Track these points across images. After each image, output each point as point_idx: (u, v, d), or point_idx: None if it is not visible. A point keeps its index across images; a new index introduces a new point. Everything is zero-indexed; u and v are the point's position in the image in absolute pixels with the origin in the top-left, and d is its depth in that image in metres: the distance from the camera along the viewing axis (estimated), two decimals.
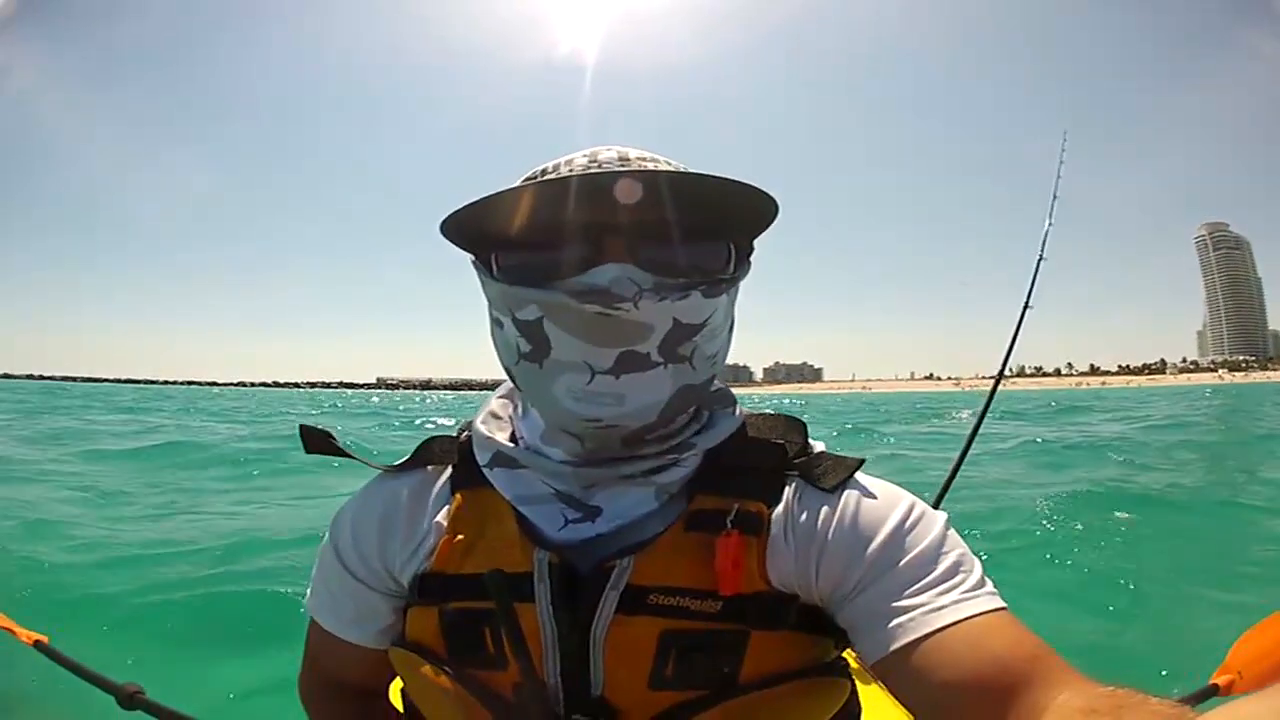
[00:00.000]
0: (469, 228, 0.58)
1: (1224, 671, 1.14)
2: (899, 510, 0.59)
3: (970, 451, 2.31)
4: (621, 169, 0.55)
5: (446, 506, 0.65)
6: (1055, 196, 2.51)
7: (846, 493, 0.61)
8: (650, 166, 0.57)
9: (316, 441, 0.73)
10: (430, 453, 0.70)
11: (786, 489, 0.62)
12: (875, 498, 0.60)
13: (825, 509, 0.60)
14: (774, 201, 0.56)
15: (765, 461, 0.63)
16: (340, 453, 0.73)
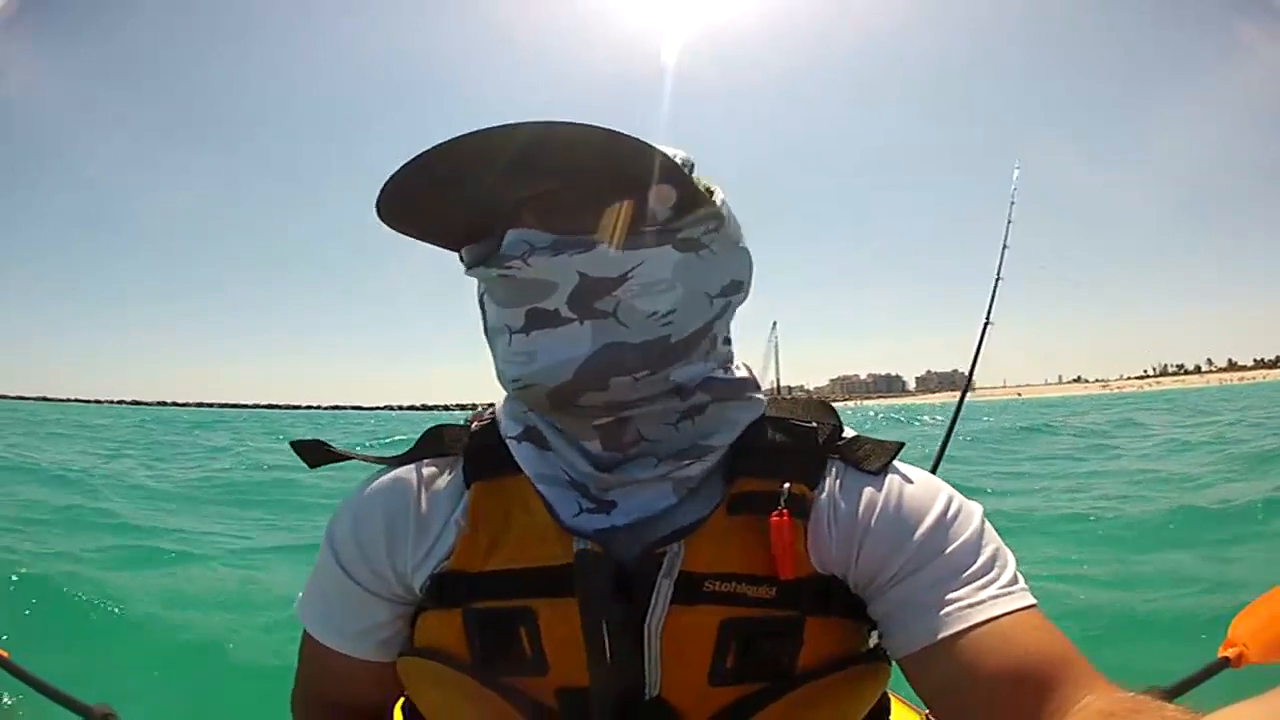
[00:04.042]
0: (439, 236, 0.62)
1: (1230, 644, 1.17)
2: (940, 499, 0.58)
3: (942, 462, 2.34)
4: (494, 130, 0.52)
5: (462, 500, 0.61)
6: (1010, 221, 2.63)
7: (890, 478, 0.60)
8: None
9: (315, 454, 0.69)
10: (438, 442, 0.66)
11: (828, 471, 0.60)
12: (917, 485, 0.60)
13: (869, 492, 0.59)
14: (652, 150, 0.53)
15: (802, 443, 0.61)
16: (339, 458, 0.69)
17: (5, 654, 1.22)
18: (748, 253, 0.63)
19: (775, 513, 0.55)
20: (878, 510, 0.58)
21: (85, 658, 3.40)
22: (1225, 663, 1.16)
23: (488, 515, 0.59)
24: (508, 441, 0.62)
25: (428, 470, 0.64)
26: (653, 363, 0.57)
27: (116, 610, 3.93)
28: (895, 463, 0.61)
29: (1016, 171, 2.76)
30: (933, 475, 0.62)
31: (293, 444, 0.69)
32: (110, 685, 3.02)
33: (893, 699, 0.67)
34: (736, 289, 0.62)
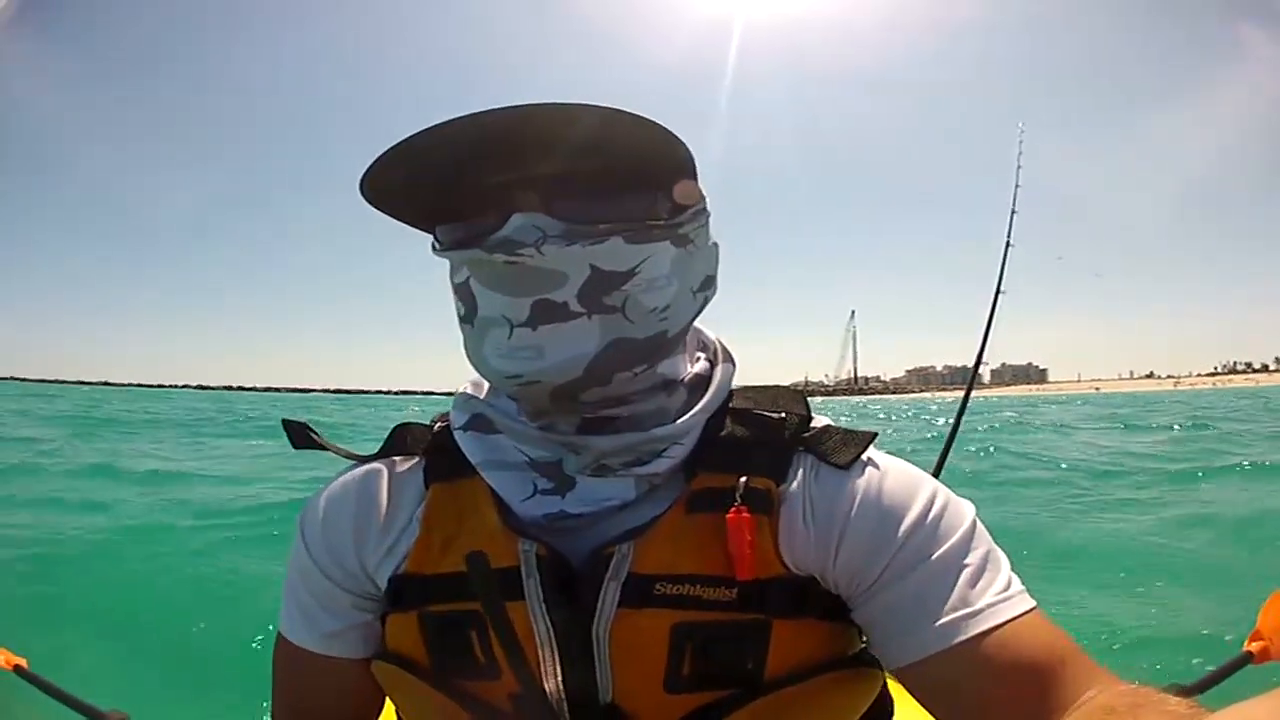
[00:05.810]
0: (408, 208, 0.58)
1: (1255, 639, 1.11)
2: (924, 495, 0.55)
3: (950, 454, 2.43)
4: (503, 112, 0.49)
5: (422, 501, 0.60)
6: (1017, 185, 2.60)
7: (866, 471, 0.57)
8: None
9: (300, 436, 0.68)
10: (404, 441, 0.65)
11: (797, 465, 0.58)
12: (897, 479, 0.56)
13: (845, 488, 0.56)
14: (677, 141, 0.52)
15: (767, 435, 0.59)
16: (320, 446, 0.67)
17: (23, 661, 1.22)
18: (718, 248, 0.63)
19: (732, 508, 0.53)
20: (855, 507, 0.55)
21: None
22: (1248, 657, 1.11)
23: (442, 518, 0.58)
24: (455, 433, 0.61)
25: (394, 470, 0.63)
26: (649, 357, 0.56)
27: None
28: (872, 454, 0.58)
29: (1021, 134, 2.64)
30: (916, 469, 0.59)
31: (284, 422, 0.68)
32: None
33: (895, 693, 0.65)
34: (710, 284, 0.61)
